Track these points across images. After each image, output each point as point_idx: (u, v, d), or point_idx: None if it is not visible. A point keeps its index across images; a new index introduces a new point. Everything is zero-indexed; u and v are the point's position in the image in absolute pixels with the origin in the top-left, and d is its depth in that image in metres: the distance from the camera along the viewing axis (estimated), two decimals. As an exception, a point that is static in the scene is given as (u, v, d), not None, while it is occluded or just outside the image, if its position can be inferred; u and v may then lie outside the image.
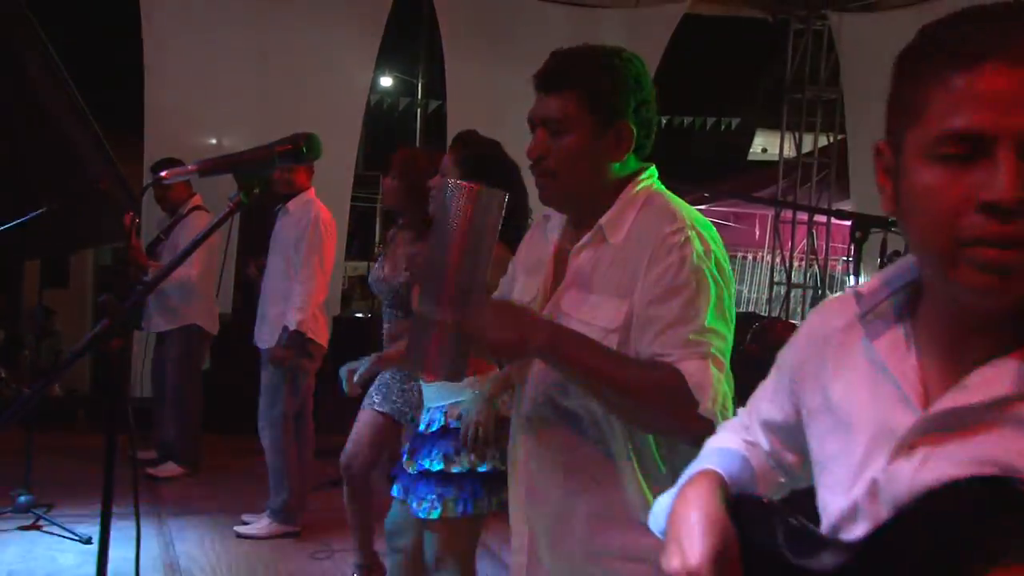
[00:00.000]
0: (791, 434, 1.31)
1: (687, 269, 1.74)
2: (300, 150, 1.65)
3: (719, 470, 1.29)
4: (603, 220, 1.85)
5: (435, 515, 2.95)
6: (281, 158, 1.62)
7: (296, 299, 4.78)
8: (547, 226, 2.02)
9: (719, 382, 1.70)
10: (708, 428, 1.63)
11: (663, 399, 1.71)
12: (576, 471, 1.87)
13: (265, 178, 1.58)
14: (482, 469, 2.93)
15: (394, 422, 3.86)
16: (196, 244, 1.58)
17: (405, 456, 3.16)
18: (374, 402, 3.90)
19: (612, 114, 1.84)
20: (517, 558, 2.01)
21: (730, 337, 1.78)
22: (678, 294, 1.73)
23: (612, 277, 1.81)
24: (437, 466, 2.95)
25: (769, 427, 1.36)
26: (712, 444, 1.42)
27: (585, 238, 1.87)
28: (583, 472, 1.86)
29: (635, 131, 1.86)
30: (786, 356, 1.34)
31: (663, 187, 1.92)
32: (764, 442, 1.37)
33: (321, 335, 5.01)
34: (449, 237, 1.77)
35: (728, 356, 1.76)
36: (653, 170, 1.93)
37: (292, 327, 4.75)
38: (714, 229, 1.86)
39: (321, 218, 4.94)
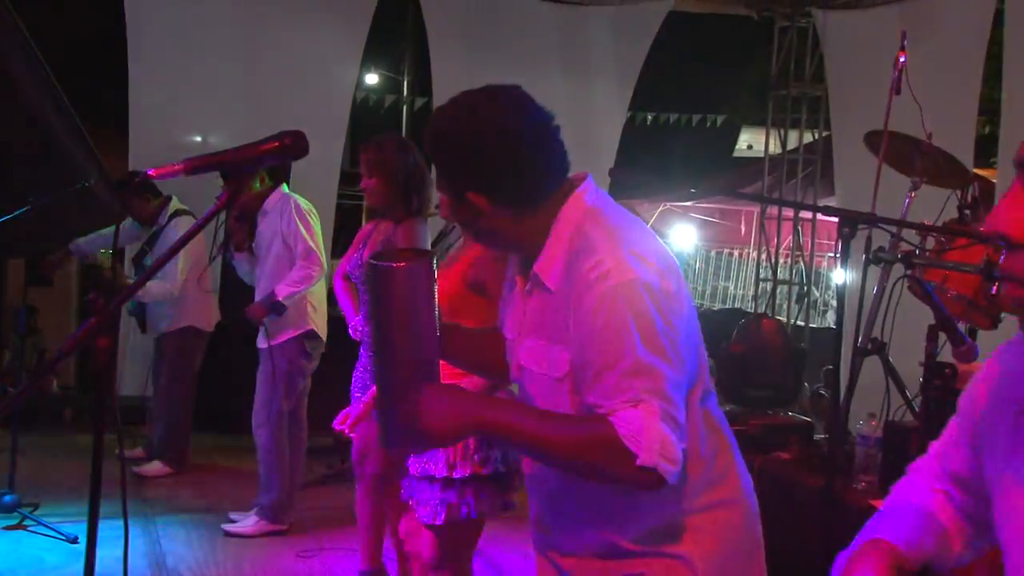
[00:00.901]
0: (981, 486, 1.22)
1: (604, 306, 1.65)
2: (287, 148, 1.64)
3: (893, 540, 1.20)
4: (537, 268, 1.79)
5: (439, 521, 2.95)
6: (268, 156, 1.62)
7: (292, 275, 4.80)
8: (512, 263, 2.00)
9: (652, 428, 1.62)
10: (653, 478, 1.63)
11: (598, 455, 1.65)
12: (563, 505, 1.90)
13: (252, 177, 1.58)
14: (485, 472, 2.92)
15: None
16: (184, 242, 1.58)
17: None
18: (359, 396, 3.90)
19: (458, 187, 1.78)
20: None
21: (672, 362, 1.67)
22: (598, 337, 1.66)
23: (554, 324, 1.76)
24: (441, 472, 2.95)
25: (957, 479, 1.27)
26: (894, 497, 1.33)
27: (528, 286, 1.83)
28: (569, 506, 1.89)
29: (487, 200, 1.76)
30: (965, 402, 1.25)
31: (597, 198, 1.82)
32: (954, 493, 1.28)
33: (322, 329, 5.02)
34: (385, 322, 1.77)
35: (671, 384, 1.66)
36: (583, 188, 1.82)
37: (278, 297, 4.76)
38: (656, 243, 1.77)
39: (300, 206, 4.95)
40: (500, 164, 1.74)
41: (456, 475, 2.91)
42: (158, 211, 6.08)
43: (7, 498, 4.86)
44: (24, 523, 4.78)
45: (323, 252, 4.89)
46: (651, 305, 1.66)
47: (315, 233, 4.93)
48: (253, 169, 1.63)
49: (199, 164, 1.58)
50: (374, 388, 1.94)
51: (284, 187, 5.02)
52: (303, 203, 5.00)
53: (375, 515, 4.08)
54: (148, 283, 5.91)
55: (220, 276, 7.10)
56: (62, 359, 1.52)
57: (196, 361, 6.33)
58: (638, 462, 1.61)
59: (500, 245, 1.88)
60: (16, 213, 4.73)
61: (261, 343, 4.90)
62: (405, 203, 3.90)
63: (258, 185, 4.89)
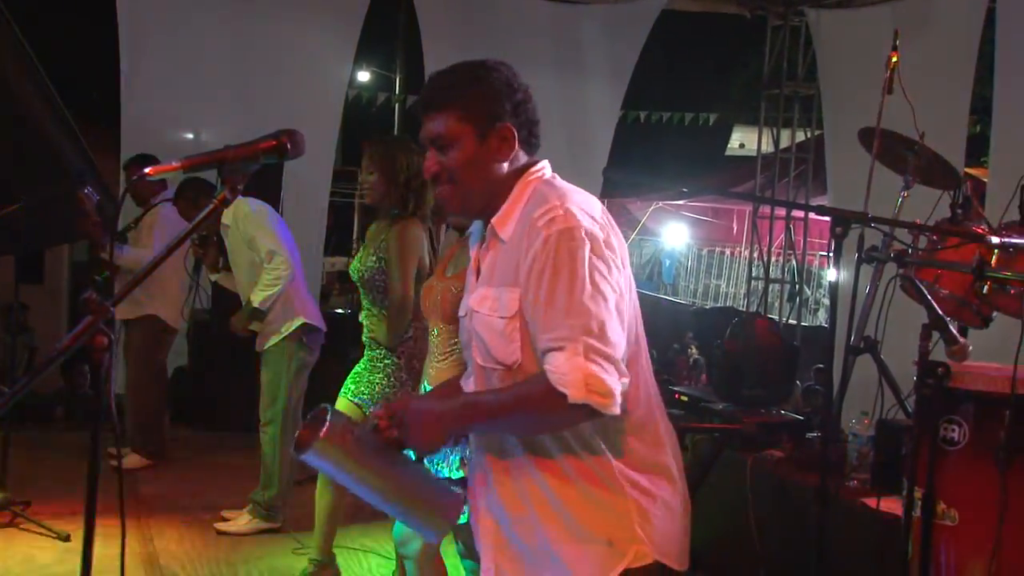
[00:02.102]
0: None
1: (548, 248, 1.82)
2: (284, 147, 1.64)
3: None
4: (493, 220, 1.98)
5: (463, 519, 2.96)
6: (266, 155, 1.62)
7: (262, 280, 4.81)
8: (469, 243, 2.16)
9: (577, 367, 1.76)
10: (587, 411, 1.78)
11: (540, 405, 1.81)
12: (507, 463, 1.97)
13: (250, 175, 1.58)
14: None
15: (364, 413, 3.86)
16: (181, 240, 1.58)
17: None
18: (349, 390, 3.93)
19: (489, 119, 1.96)
20: (484, 540, 2.05)
21: (606, 304, 1.82)
22: (540, 280, 1.83)
23: (504, 270, 1.92)
24: (457, 473, 2.96)
25: None
26: None
27: (485, 242, 2.01)
28: (513, 461, 1.96)
29: (516, 130, 1.97)
30: None
31: (554, 177, 2.01)
32: None
33: (316, 319, 5.00)
34: (358, 479, 1.97)
35: (601, 324, 1.80)
36: (544, 164, 2.03)
37: (255, 304, 4.78)
38: (597, 207, 1.94)
39: (249, 210, 4.93)
40: (528, 104, 2.00)
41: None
42: (154, 193, 6.05)
43: None
44: (15, 521, 4.77)
45: (282, 248, 4.82)
46: (589, 252, 1.83)
47: (270, 232, 4.88)
48: (251, 167, 1.63)
49: (197, 162, 1.59)
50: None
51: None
52: (249, 207, 4.96)
53: (335, 508, 4.10)
54: (124, 249, 5.94)
55: (211, 286, 7.11)
56: (60, 357, 1.52)
57: (163, 353, 6.31)
58: (568, 400, 1.76)
59: (471, 196, 1.99)
60: (7, 211, 4.72)
61: (259, 346, 4.91)
62: (402, 204, 3.91)
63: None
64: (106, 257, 5.69)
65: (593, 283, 1.82)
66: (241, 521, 4.95)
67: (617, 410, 1.79)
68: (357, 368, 4.00)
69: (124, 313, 6.02)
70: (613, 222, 1.96)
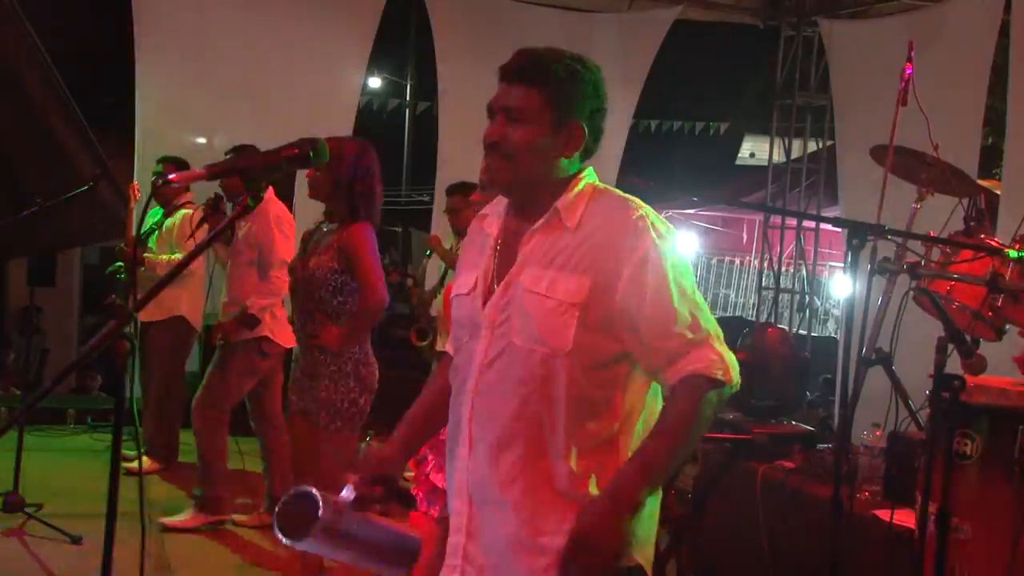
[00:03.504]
0: None
1: (660, 253, 1.91)
2: (307, 155, 1.66)
3: None
4: (559, 204, 1.98)
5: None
6: (288, 163, 1.63)
7: (264, 287, 4.87)
8: (484, 224, 2.13)
9: (722, 354, 1.91)
10: (729, 391, 1.92)
11: (709, 409, 1.91)
12: (514, 444, 1.94)
13: (272, 182, 1.60)
14: None
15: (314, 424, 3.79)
16: (208, 243, 1.59)
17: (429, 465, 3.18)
18: (293, 401, 3.87)
19: (569, 113, 1.98)
20: (455, 537, 2.02)
21: (702, 299, 1.98)
22: (662, 282, 1.90)
23: (572, 256, 1.93)
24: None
25: None
26: None
27: (539, 223, 1.99)
28: (521, 444, 1.93)
29: (586, 133, 2.00)
30: None
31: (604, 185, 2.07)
32: None
33: (279, 335, 5.02)
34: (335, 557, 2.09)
35: (708, 314, 1.97)
36: (591, 171, 2.07)
37: (251, 310, 4.85)
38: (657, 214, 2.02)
39: (279, 216, 4.98)
40: (604, 112, 2.05)
41: None
42: (180, 194, 6.07)
43: (11, 498, 4.86)
44: (28, 523, 4.78)
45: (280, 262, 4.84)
46: (680, 255, 1.96)
47: (289, 242, 4.91)
48: (273, 175, 1.64)
49: (220, 170, 1.60)
50: None
51: (271, 191, 5.00)
52: (280, 210, 5.03)
53: None
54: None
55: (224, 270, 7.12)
56: (83, 361, 1.53)
57: (185, 356, 6.30)
58: (722, 382, 1.90)
59: (523, 176, 2.00)
60: (23, 214, 4.75)
61: (217, 341, 4.98)
62: (350, 208, 3.82)
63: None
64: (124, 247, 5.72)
65: (695, 284, 1.98)
66: (187, 515, 4.99)
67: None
68: (295, 375, 3.87)
69: (150, 315, 6.03)
70: None
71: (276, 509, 1.98)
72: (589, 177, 2.04)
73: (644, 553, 1.96)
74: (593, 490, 1.90)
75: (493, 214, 2.12)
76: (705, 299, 2.01)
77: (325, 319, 3.76)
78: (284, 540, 1.94)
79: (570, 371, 1.89)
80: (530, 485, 1.92)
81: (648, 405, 1.99)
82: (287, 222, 5.03)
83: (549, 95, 1.97)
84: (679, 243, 1.98)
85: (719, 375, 1.89)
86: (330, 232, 3.84)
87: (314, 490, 1.95)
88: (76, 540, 4.61)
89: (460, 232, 5.46)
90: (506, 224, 2.07)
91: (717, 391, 1.90)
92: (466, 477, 1.99)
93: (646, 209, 1.96)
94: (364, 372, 3.75)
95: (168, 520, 4.98)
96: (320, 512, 1.90)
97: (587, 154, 2.05)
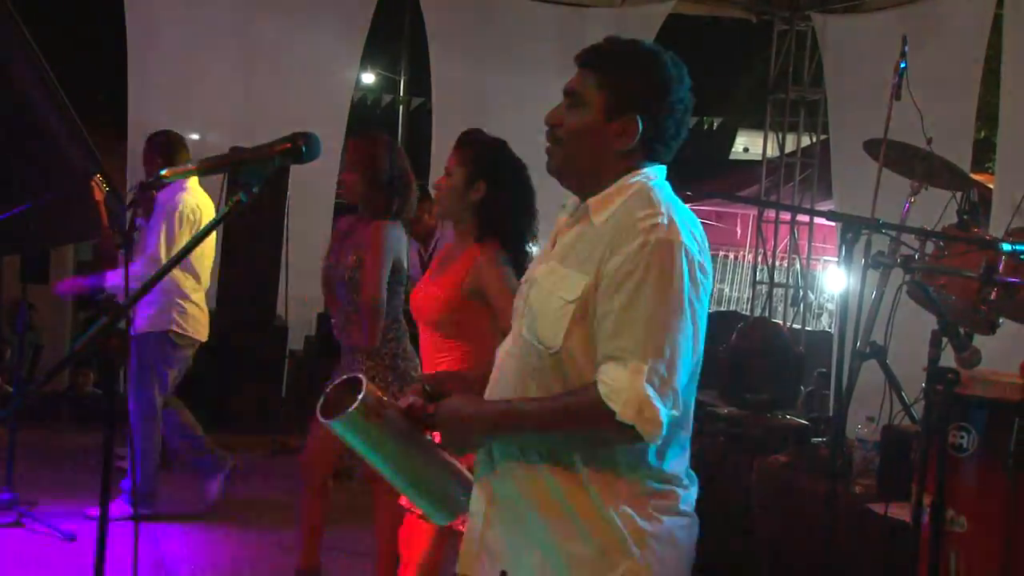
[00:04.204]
0: None
1: (642, 256, 1.77)
2: (300, 149, 1.65)
3: None
4: (591, 200, 1.91)
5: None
6: (281, 158, 1.63)
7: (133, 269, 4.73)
8: (562, 211, 2.07)
9: (633, 387, 1.72)
10: (631, 434, 1.73)
11: (581, 420, 1.79)
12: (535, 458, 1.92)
13: (265, 177, 1.59)
14: None
15: None
16: (197, 241, 1.58)
17: None
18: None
19: (624, 105, 1.88)
20: (473, 521, 2.01)
21: (687, 328, 1.79)
22: (625, 282, 1.77)
23: (583, 253, 1.87)
24: None
25: None
26: None
27: (574, 217, 1.95)
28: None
29: (641, 129, 1.88)
30: None
31: (664, 186, 1.93)
32: None
33: (191, 328, 5.04)
34: (370, 460, 2.00)
35: (671, 347, 1.76)
36: (661, 170, 1.95)
37: (106, 284, 4.81)
38: (698, 225, 1.89)
39: (180, 207, 4.93)
40: (673, 113, 1.91)
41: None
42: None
43: (4, 496, 4.84)
44: (22, 521, 4.77)
45: (164, 255, 4.78)
46: (686, 270, 1.79)
47: (176, 237, 4.86)
48: (266, 170, 1.63)
49: (213, 165, 1.59)
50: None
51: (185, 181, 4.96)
52: (188, 204, 4.97)
53: (320, 518, 4.06)
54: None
55: (219, 268, 7.11)
56: (75, 359, 1.52)
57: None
58: (616, 418, 1.72)
59: (571, 161, 1.94)
60: (15, 210, 4.73)
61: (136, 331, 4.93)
62: (386, 205, 3.83)
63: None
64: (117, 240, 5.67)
65: (680, 305, 1.78)
66: (113, 507, 4.95)
67: (659, 441, 1.77)
68: (333, 374, 3.91)
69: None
70: (707, 243, 1.91)
71: (325, 391, 1.97)
72: (647, 176, 1.91)
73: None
74: (597, 489, 1.85)
75: (572, 200, 2.03)
76: None
77: (356, 317, 3.78)
78: (320, 419, 1.91)
79: (566, 369, 1.86)
80: (534, 481, 1.90)
81: None
82: (194, 212, 4.98)
83: (606, 81, 1.89)
84: (685, 258, 1.79)
85: (612, 407, 1.72)
86: (359, 229, 3.86)
87: (363, 379, 1.94)
88: (70, 538, 4.60)
89: (418, 238, 5.57)
90: (573, 211, 2.00)
91: (603, 421, 1.74)
92: (482, 465, 2.00)
93: (675, 212, 1.84)
94: (403, 365, 3.76)
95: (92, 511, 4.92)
96: (359, 398, 1.87)
97: (652, 154, 1.93)
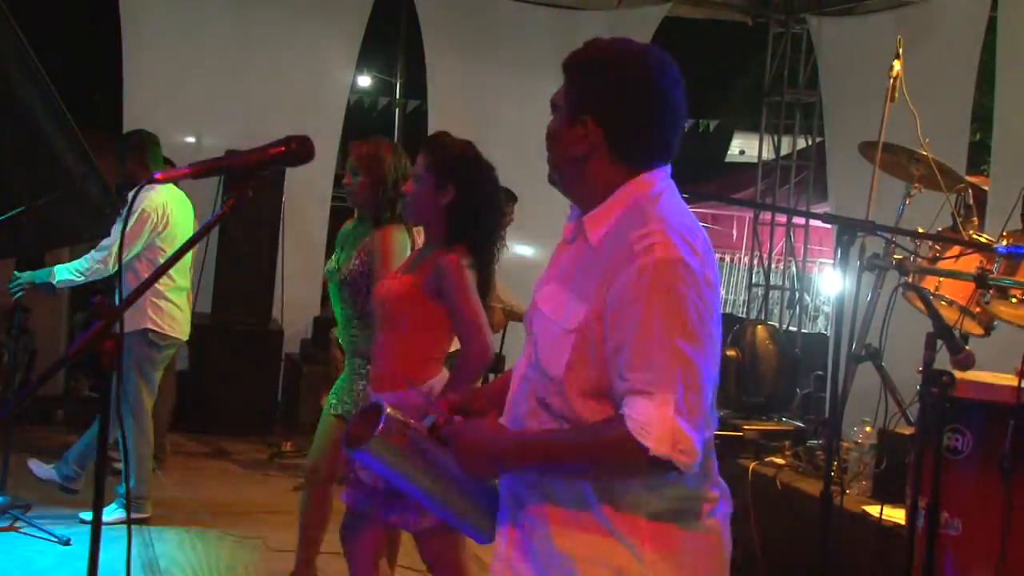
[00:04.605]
0: None
1: (644, 280, 1.67)
2: (294, 152, 1.64)
3: None
4: (586, 218, 1.84)
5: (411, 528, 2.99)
6: (275, 160, 1.62)
7: (81, 262, 4.85)
8: (566, 221, 2.00)
9: (664, 419, 1.63)
10: (665, 467, 1.65)
11: (613, 454, 1.70)
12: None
13: (259, 180, 1.58)
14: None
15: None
16: (190, 244, 1.58)
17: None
18: (332, 404, 3.85)
19: (583, 107, 1.82)
20: (499, 542, 1.98)
21: (702, 348, 1.68)
22: (630, 312, 1.68)
23: (581, 279, 1.80)
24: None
25: None
26: None
27: (570, 234, 1.89)
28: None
29: (604, 135, 1.80)
30: None
31: (662, 193, 1.83)
32: None
33: (167, 326, 5.03)
34: (402, 484, 2.00)
35: (690, 371, 1.66)
36: (659, 174, 1.85)
37: (55, 279, 4.86)
38: (705, 237, 1.79)
39: (143, 205, 4.91)
40: (631, 110, 1.81)
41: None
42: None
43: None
44: (16, 525, 4.76)
45: (115, 255, 4.79)
46: (690, 288, 1.68)
47: (135, 234, 4.87)
48: (260, 172, 1.63)
49: (205, 168, 1.58)
50: None
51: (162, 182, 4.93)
52: (153, 202, 4.95)
53: (320, 522, 4.06)
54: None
55: (215, 271, 7.10)
56: (68, 362, 1.52)
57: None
58: (650, 454, 1.63)
59: (553, 170, 1.90)
60: (10, 214, 4.72)
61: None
62: (391, 207, 3.82)
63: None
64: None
65: (694, 326, 1.67)
66: (107, 511, 4.94)
67: (696, 469, 1.69)
68: (338, 382, 3.88)
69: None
70: (711, 248, 1.80)
71: (350, 421, 1.99)
72: (647, 183, 1.82)
73: None
74: (615, 506, 1.78)
75: (575, 209, 1.94)
76: None
77: (361, 324, 3.74)
78: (345, 450, 1.93)
79: (569, 398, 1.78)
80: (546, 496, 1.85)
81: None
82: (160, 213, 4.97)
83: (569, 84, 1.85)
84: (687, 275, 1.68)
85: (645, 443, 1.63)
86: (363, 234, 3.83)
87: (382, 404, 1.94)
88: (64, 542, 4.59)
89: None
90: (574, 222, 1.92)
91: (635, 457, 1.64)
92: (505, 484, 1.96)
93: (672, 225, 1.73)
94: None
95: (86, 515, 4.90)
96: (381, 423, 1.87)
97: (631, 157, 1.82)
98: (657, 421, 1.63)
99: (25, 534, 4.69)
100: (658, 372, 1.65)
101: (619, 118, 1.81)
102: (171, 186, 5.11)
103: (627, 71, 1.82)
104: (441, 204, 3.03)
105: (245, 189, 1.61)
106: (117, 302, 1.72)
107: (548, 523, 1.85)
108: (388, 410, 1.91)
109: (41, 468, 5.11)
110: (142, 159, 5.07)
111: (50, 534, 4.62)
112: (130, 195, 5.04)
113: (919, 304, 3.23)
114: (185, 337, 5.22)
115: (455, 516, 2.03)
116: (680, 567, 1.80)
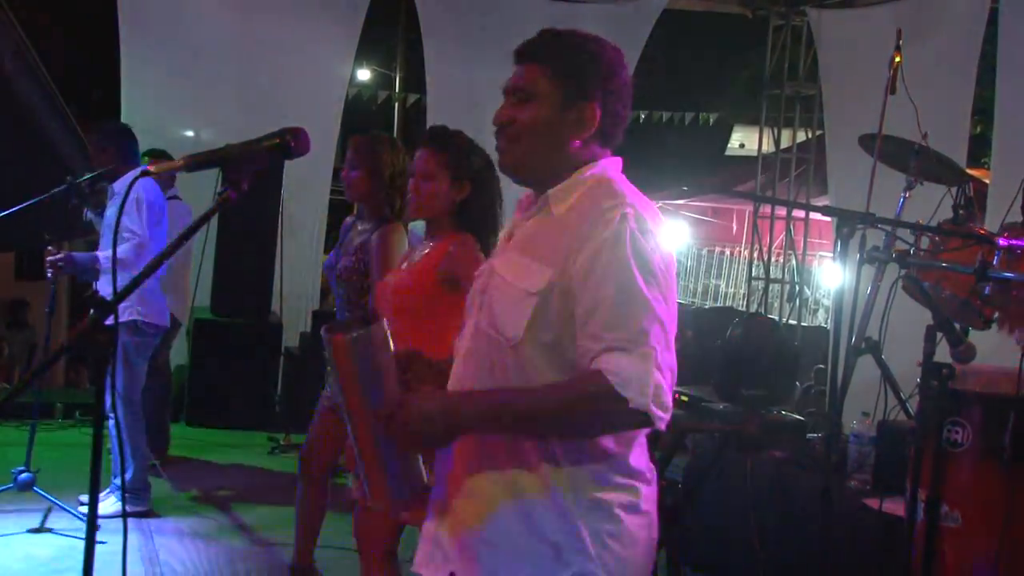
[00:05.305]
0: None
1: (619, 246, 1.75)
2: (288, 145, 1.64)
3: None
4: (550, 192, 1.89)
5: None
6: (269, 153, 1.61)
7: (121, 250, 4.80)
8: (517, 205, 2.06)
9: (645, 373, 1.70)
10: (644, 420, 1.71)
11: (591, 410, 1.73)
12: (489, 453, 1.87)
13: (253, 173, 1.57)
14: None
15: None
16: (185, 237, 1.57)
17: None
18: (326, 397, 3.86)
19: (579, 93, 1.88)
20: (429, 522, 1.97)
21: (666, 314, 1.77)
22: (607, 273, 1.74)
23: (545, 245, 1.84)
24: None
25: None
26: None
27: (533, 208, 1.93)
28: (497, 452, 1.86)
29: (599, 116, 1.89)
30: None
31: (622, 179, 1.93)
32: None
33: (151, 315, 5.03)
34: (345, 390, 1.88)
35: (663, 333, 1.74)
36: (617, 163, 1.95)
37: (100, 263, 4.84)
38: (659, 217, 1.88)
39: (154, 201, 4.94)
40: (622, 98, 1.93)
41: None
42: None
43: (24, 476, 4.77)
44: (50, 511, 4.71)
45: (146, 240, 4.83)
46: (657, 255, 1.78)
47: (148, 221, 4.89)
48: (255, 165, 1.62)
49: (199, 160, 1.57)
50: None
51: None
52: (156, 194, 4.99)
53: (317, 514, 4.06)
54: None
55: (214, 265, 7.10)
56: (62, 354, 1.51)
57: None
58: (630, 406, 1.68)
59: (530, 156, 1.92)
60: (11, 211, 4.72)
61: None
62: (389, 202, 3.82)
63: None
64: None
65: (663, 290, 1.77)
66: (107, 503, 4.92)
67: (663, 426, 1.73)
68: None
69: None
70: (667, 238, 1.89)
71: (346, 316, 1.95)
72: (598, 168, 1.91)
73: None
74: (559, 483, 1.81)
75: (527, 198, 2.01)
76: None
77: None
78: (323, 333, 1.87)
79: (530, 362, 1.81)
80: (494, 475, 1.85)
81: None
82: (152, 203, 4.98)
83: (557, 71, 1.88)
84: (655, 243, 1.79)
85: (625, 395, 1.68)
86: (364, 231, 3.81)
87: (386, 323, 1.92)
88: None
89: None
90: (528, 206, 1.98)
91: (615, 408, 1.69)
92: (443, 467, 1.94)
93: (632, 201, 1.82)
94: None
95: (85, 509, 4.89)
96: (367, 329, 1.84)
97: (606, 140, 1.93)
98: (637, 375, 1.69)
99: (57, 533, 4.64)
100: (636, 331, 1.71)
101: (613, 103, 1.91)
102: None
103: (610, 56, 1.92)
104: (455, 200, 3.04)
105: (240, 182, 1.60)
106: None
107: (486, 496, 1.86)
108: (384, 324, 1.89)
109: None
110: (124, 150, 5.02)
111: (77, 514, 4.58)
112: (115, 186, 4.96)
113: (919, 297, 3.23)
114: (167, 324, 5.21)
115: (368, 464, 1.94)
116: (620, 546, 1.83)
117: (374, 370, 1.87)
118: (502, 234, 2.06)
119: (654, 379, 1.70)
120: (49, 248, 4.87)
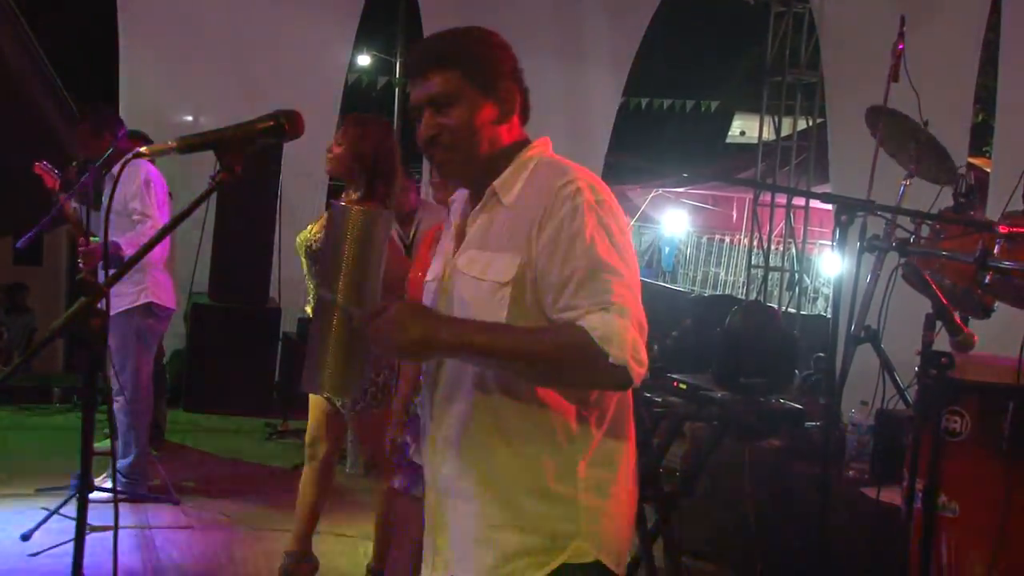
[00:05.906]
0: None
1: (580, 217, 1.79)
2: (282, 127, 1.62)
3: None
4: (495, 183, 1.90)
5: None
6: (263, 135, 1.60)
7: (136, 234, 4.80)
8: (452, 209, 2.08)
9: (624, 329, 1.73)
10: (623, 375, 1.73)
11: (573, 358, 1.74)
12: (469, 432, 1.88)
13: (248, 156, 1.56)
14: None
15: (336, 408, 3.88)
16: (177, 221, 1.55)
17: (410, 448, 3.16)
18: None
19: (493, 79, 1.91)
20: (427, 528, 1.99)
21: (633, 277, 1.81)
22: (573, 245, 1.78)
23: (505, 233, 1.86)
24: None
25: None
26: None
27: (480, 204, 1.93)
28: (477, 432, 1.87)
29: (518, 93, 1.94)
30: None
31: (555, 155, 1.97)
32: None
33: (164, 298, 5.06)
34: (338, 251, 1.87)
35: (633, 295, 1.79)
36: (543, 143, 1.98)
37: (123, 250, 4.72)
38: (606, 186, 1.91)
39: (146, 179, 4.93)
40: (519, 71, 1.97)
41: None
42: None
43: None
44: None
45: (159, 220, 4.83)
46: (616, 227, 1.83)
47: (157, 202, 4.91)
48: (248, 148, 1.60)
49: (192, 143, 1.56)
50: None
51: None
52: (153, 174, 4.99)
53: (320, 498, 4.06)
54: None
55: (212, 250, 7.08)
56: (54, 339, 1.50)
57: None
58: (610, 360, 1.71)
59: (472, 158, 1.91)
60: (8, 196, 4.71)
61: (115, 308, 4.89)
62: (368, 185, 3.80)
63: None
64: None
65: (628, 256, 1.83)
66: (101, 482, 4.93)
67: (639, 380, 1.76)
68: None
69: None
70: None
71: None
72: (540, 149, 1.96)
73: (608, 549, 1.87)
74: (551, 482, 1.83)
75: (459, 199, 2.04)
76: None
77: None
78: (334, 202, 1.95)
79: None
80: (486, 476, 1.86)
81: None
82: (157, 184, 5.00)
83: (467, 69, 1.89)
84: (612, 211, 1.84)
85: (607, 349, 1.71)
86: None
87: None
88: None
89: (398, 220, 5.58)
90: (466, 207, 2.00)
91: (595, 360, 1.71)
92: (431, 471, 1.96)
93: (581, 176, 1.85)
94: None
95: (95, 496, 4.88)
96: (377, 209, 1.95)
97: (525, 115, 1.98)
98: (617, 330, 1.72)
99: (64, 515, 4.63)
100: (611, 293, 1.75)
101: (520, 78, 1.96)
102: None
103: (500, 41, 1.97)
104: None
105: (234, 165, 1.58)
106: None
107: (471, 504, 1.88)
108: (391, 216, 1.93)
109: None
110: (116, 134, 5.01)
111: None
112: (115, 170, 4.94)
113: (918, 285, 3.21)
114: (159, 300, 5.17)
115: (323, 347, 1.90)
116: (608, 521, 1.87)
117: (374, 254, 1.88)
118: (445, 239, 2.05)
119: (633, 335, 1.74)
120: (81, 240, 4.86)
